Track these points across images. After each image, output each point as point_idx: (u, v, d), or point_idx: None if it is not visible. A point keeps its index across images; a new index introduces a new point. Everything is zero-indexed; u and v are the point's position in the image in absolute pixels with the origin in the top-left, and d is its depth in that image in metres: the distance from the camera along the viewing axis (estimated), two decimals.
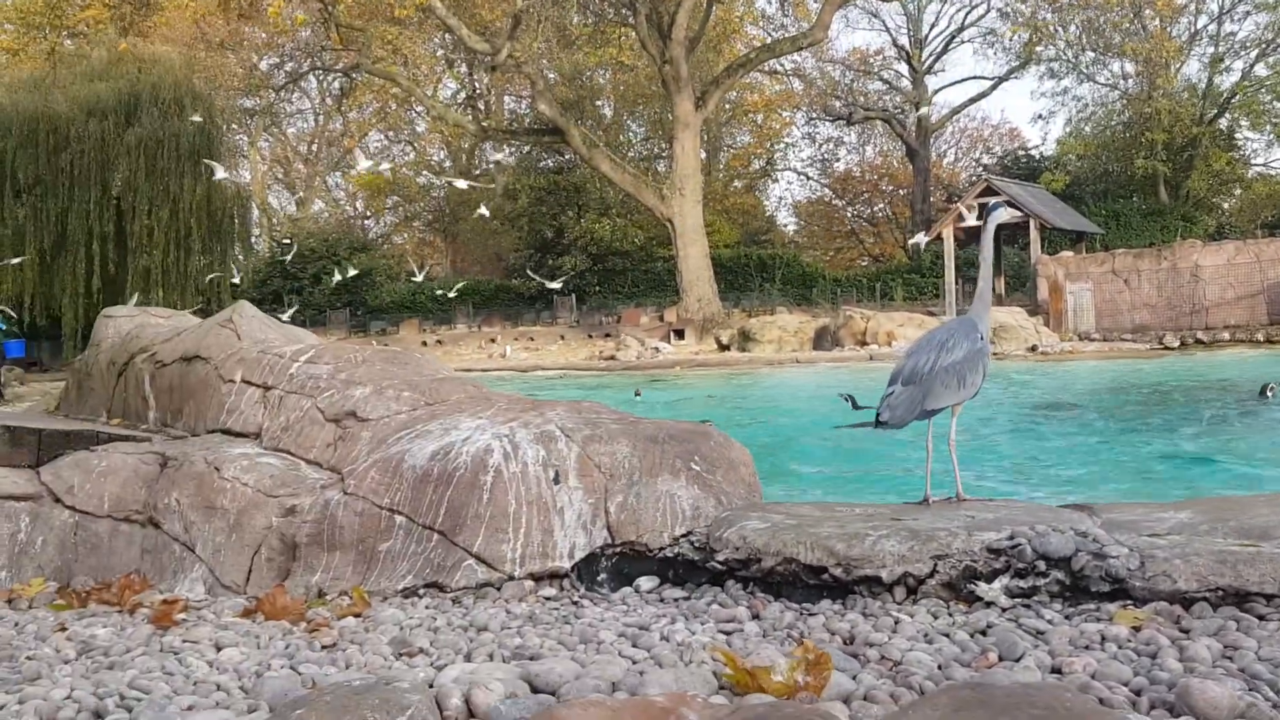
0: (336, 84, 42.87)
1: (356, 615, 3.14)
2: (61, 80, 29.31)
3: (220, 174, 22.76)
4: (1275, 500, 3.06)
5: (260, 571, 3.67)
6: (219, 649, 2.75)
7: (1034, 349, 23.10)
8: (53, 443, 4.31)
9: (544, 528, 3.38)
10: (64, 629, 3.09)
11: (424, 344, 35.28)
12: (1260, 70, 38.11)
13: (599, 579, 3.38)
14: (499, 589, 3.27)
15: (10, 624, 3.19)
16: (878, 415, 3.38)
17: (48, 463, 4.23)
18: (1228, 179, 40.94)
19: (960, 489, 3.47)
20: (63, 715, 2.19)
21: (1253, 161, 42.55)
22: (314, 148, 52.04)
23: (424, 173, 46.73)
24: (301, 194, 52.16)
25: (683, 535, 3.35)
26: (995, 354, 20.42)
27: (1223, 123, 39.45)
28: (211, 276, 29.03)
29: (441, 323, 40.14)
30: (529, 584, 3.28)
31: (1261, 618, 2.45)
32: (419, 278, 30.57)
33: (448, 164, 51.98)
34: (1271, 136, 38.79)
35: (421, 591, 3.34)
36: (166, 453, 4.20)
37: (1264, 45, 37.99)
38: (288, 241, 41.11)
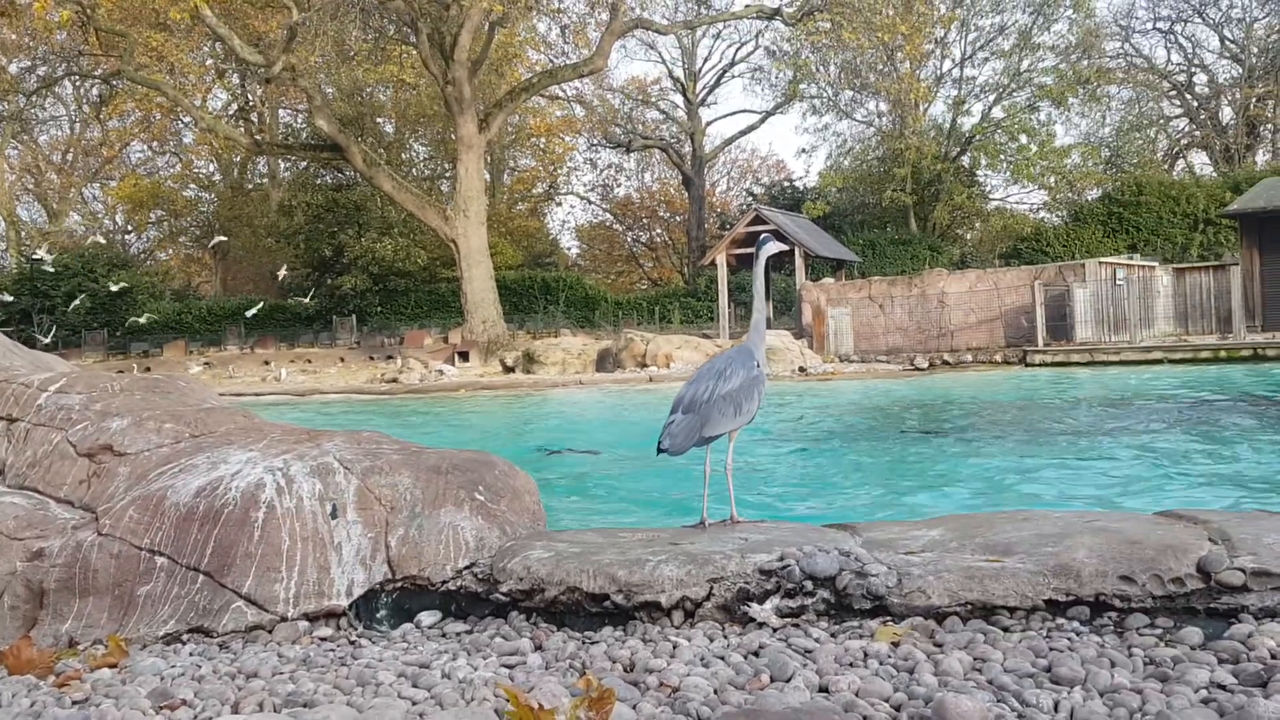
0: (95, 90, 40.10)
1: (112, 666, 2.91)
2: None
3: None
4: (1016, 518, 3.30)
5: (3, 622, 3.35)
6: None
7: (803, 370, 24.20)
8: None
9: (320, 565, 3.23)
10: None
11: (191, 367, 33.36)
12: (997, 112, 41.50)
13: (378, 616, 3.27)
14: (270, 631, 3.11)
15: None
16: (659, 443, 3.44)
17: None
18: (969, 212, 44.31)
19: (735, 512, 3.57)
20: None
21: (991, 196, 46.22)
22: (69, 157, 48.47)
23: (192, 186, 44.22)
24: (55, 206, 48.40)
25: (466, 567, 3.29)
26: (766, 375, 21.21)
27: (965, 160, 42.66)
28: None
29: (210, 344, 38.12)
30: (303, 624, 3.14)
31: (1006, 630, 2.63)
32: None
33: (217, 177, 49.59)
34: (1007, 174, 42.31)
35: (185, 637, 3.13)
36: None
37: (999, 90, 41.38)
38: (39, 257, 38.05)
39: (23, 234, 46.98)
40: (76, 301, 31.65)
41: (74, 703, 2.55)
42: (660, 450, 3.43)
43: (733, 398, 3.45)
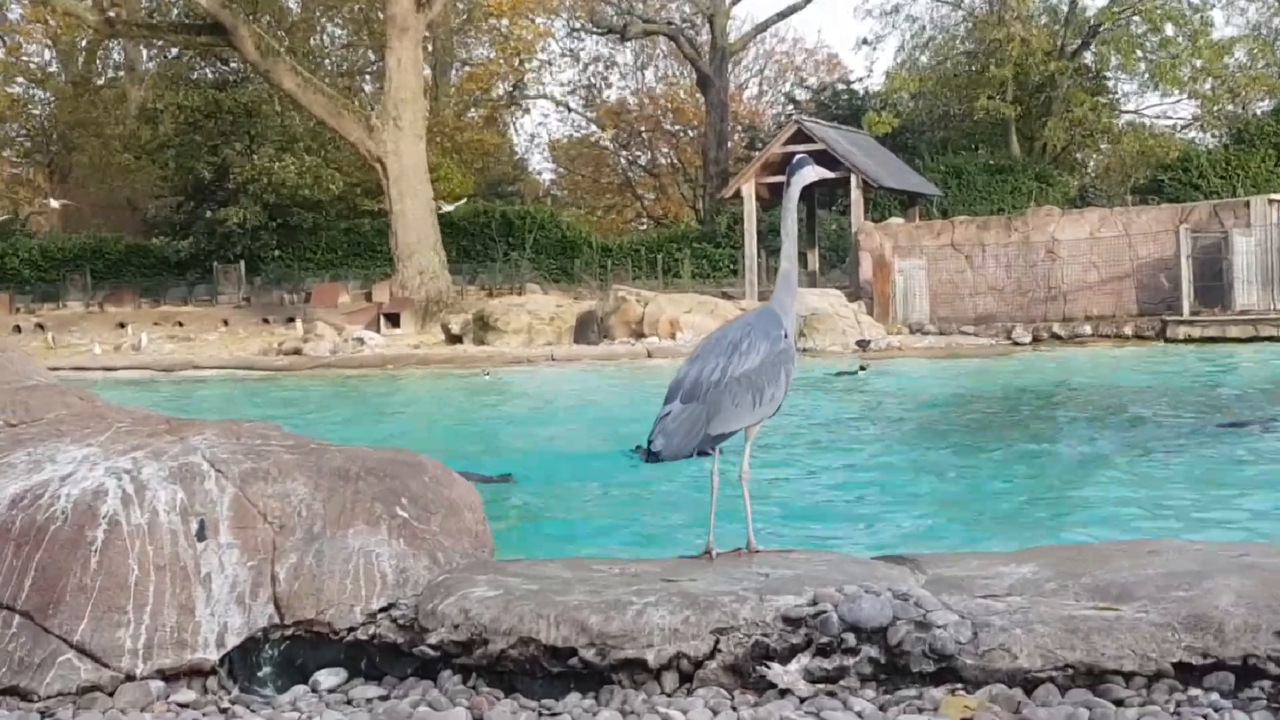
0: None
1: None
2: None
3: None
4: (1137, 550, 3.31)
5: None
6: None
7: (862, 344, 24.17)
8: None
9: (181, 603, 3.25)
10: None
11: (17, 329, 33.40)
12: None
13: (261, 674, 3.29)
14: (112, 694, 3.12)
15: None
16: (650, 444, 3.44)
17: None
18: (1092, 129, 43.92)
19: (752, 538, 3.59)
20: None
21: (1123, 108, 45.85)
22: None
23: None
24: None
25: (382, 609, 3.31)
26: (808, 351, 21.29)
27: (1087, 57, 42.32)
28: None
29: (45, 299, 38.13)
30: (157, 685, 3.15)
31: (1120, 703, 2.64)
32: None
33: (55, 69, 49.32)
34: (1145, 77, 41.95)
35: None
36: None
37: None
38: None
39: None
40: None
41: None
42: (651, 455, 3.43)
43: (752, 380, 3.46)
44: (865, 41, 79.02)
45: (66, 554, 3.31)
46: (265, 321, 34.46)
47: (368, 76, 45.31)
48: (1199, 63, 40.34)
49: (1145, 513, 7.05)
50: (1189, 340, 23.86)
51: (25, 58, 51.00)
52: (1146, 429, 11.11)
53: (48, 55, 50.85)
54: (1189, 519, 6.84)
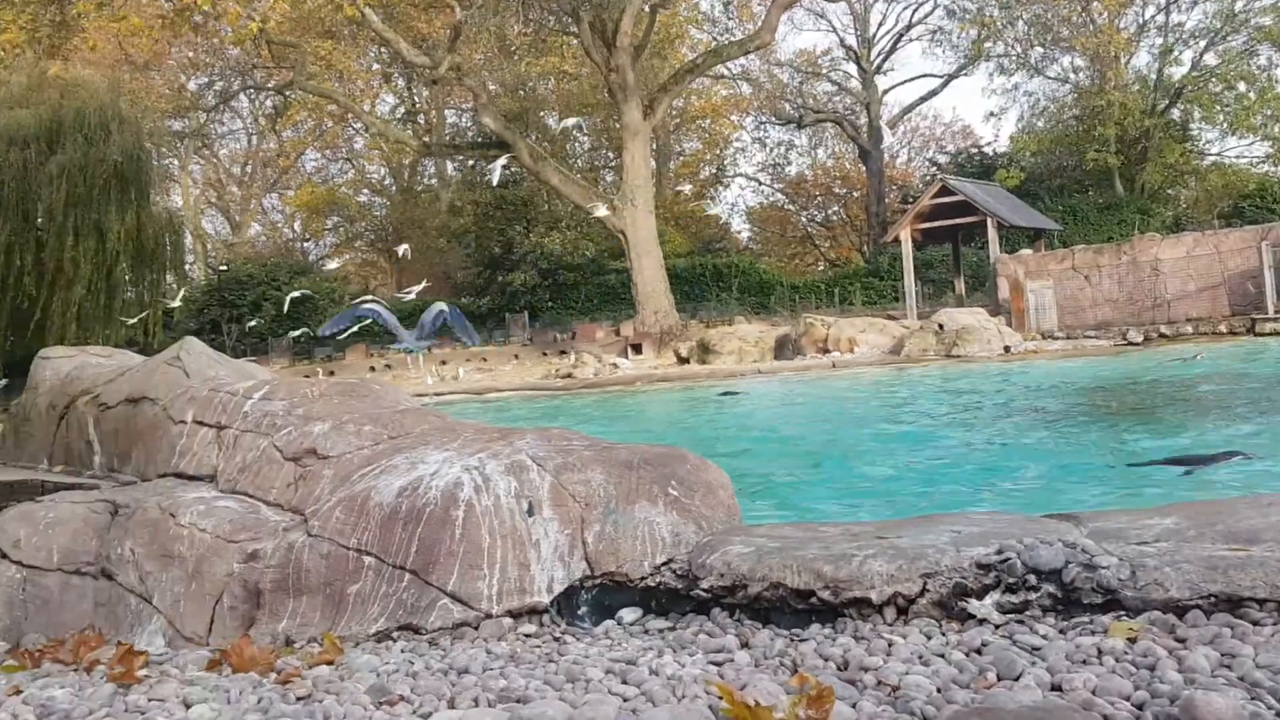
0: (269, 102, 42.81)
1: (329, 663, 3.19)
2: None
3: None
4: (1259, 503, 3.23)
5: (223, 621, 3.72)
6: (188, 706, 2.78)
7: (1008, 349, 23.47)
8: None
9: (520, 562, 3.45)
10: (18, 692, 3.11)
11: (372, 369, 35.13)
12: (1210, 59, 40.22)
13: (579, 612, 3.49)
14: (476, 628, 3.37)
15: None
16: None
17: None
18: (1182, 170, 42.21)
19: None
20: None
21: (1207, 152, 43.79)
22: (248, 169, 52.23)
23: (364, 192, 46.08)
24: (237, 218, 51.50)
25: (664, 564, 3.49)
26: (962, 358, 20.64)
27: (1175, 114, 41.86)
28: (142, 315, 28.08)
29: (390, 346, 39.64)
30: (507, 621, 3.37)
31: (1256, 623, 2.58)
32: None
33: (388, 181, 51.57)
34: (1224, 126, 39.79)
35: (395, 634, 3.41)
36: (117, 500, 4.24)
37: (1212, 35, 40.35)
38: (224, 268, 40.52)
39: (209, 246, 50.14)
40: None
41: (298, 699, 2.78)
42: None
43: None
44: (992, 114, 77.34)
45: (438, 528, 3.57)
46: (544, 355, 35.90)
47: (609, 170, 46.27)
48: (1269, 111, 38.37)
49: (1264, 471, 6.63)
50: (1274, 334, 22.86)
51: (368, 175, 53.94)
52: (1239, 399, 10.43)
53: (383, 172, 53.73)
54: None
